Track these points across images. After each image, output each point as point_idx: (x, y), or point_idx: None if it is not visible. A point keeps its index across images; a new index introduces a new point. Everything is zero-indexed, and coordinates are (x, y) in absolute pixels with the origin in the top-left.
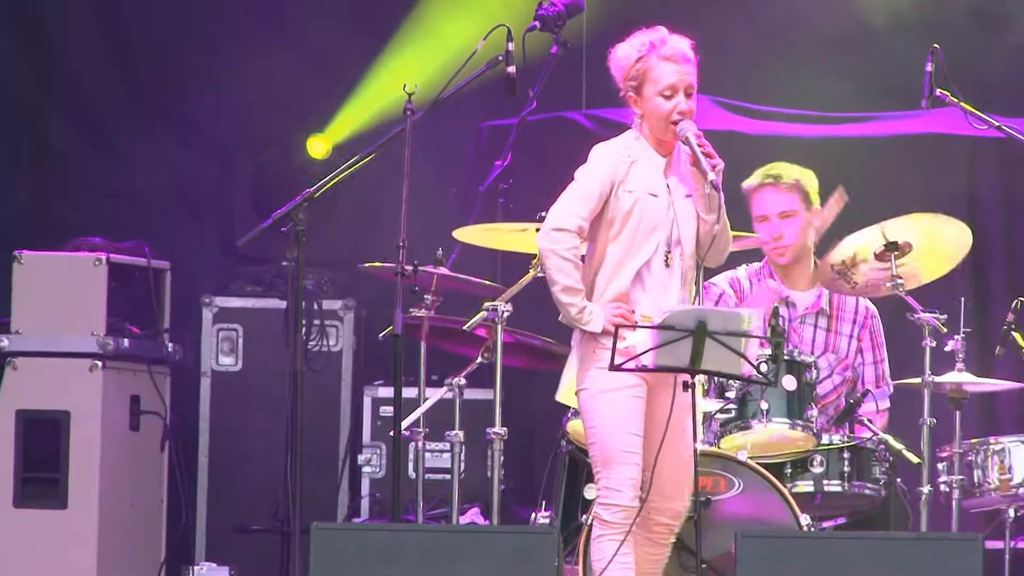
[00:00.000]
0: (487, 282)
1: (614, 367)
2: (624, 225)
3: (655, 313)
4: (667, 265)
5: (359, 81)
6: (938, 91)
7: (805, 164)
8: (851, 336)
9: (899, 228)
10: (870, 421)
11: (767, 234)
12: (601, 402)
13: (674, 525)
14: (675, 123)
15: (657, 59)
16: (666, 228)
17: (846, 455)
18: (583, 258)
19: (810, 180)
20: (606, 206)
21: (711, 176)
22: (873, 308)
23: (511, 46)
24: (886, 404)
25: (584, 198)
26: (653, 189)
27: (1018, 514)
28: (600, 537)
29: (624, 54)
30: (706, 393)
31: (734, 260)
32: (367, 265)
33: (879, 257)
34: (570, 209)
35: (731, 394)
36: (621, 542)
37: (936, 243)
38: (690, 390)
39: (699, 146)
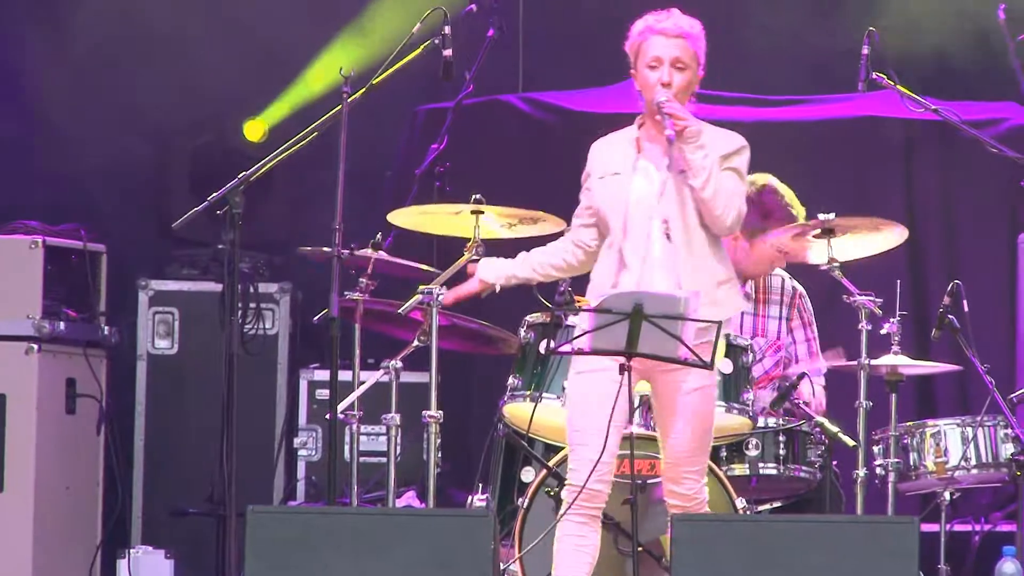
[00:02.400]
0: (424, 266)
1: (549, 350)
2: (600, 211)
3: (594, 296)
4: (669, 239)
5: (295, 63)
6: (874, 74)
7: None
8: (780, 318)
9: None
10: (806, 405)
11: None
12: (573, 383)
13: (684, 506)
14: None
15: (651, 33)
16: (649, 204)
17: (781, 438)
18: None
19: None
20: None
21: (667, 132)
22: (800, 288)
23: (447, 29)
24: (821, 382)
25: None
26: (615, 168)
27: (953, 497)
28: (563, 517)
29: (631, 33)
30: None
31: None
32: (306, 249)
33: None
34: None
35: None
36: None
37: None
38: (626, 374)
39: (663, 108)
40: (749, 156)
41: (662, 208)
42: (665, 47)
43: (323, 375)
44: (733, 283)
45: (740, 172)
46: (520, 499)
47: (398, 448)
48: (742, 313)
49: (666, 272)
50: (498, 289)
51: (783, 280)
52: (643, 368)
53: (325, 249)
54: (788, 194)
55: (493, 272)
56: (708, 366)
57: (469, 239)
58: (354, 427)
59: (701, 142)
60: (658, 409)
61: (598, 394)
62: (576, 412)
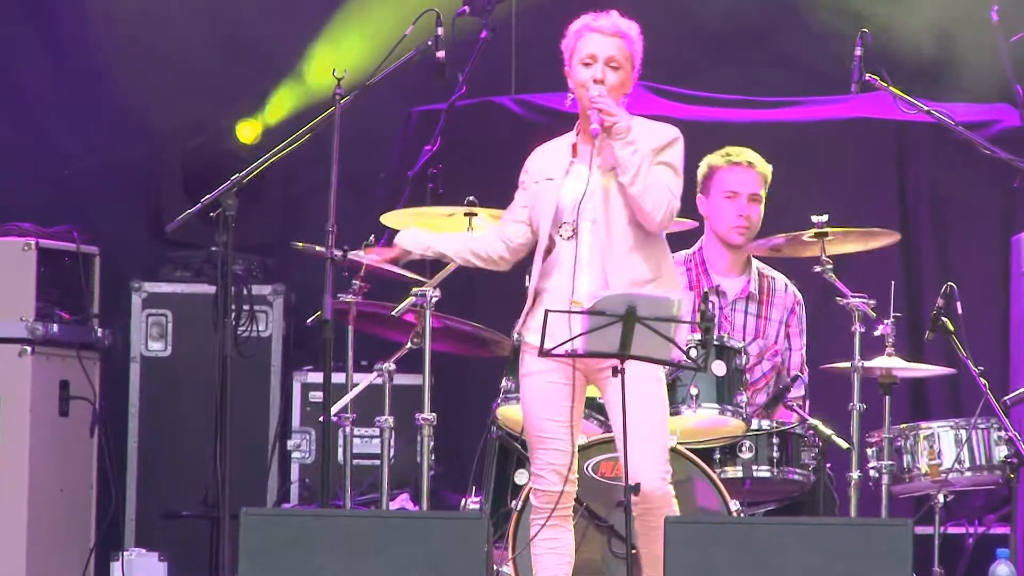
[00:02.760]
0: (414, 275)
1: (544, 353)
2: (533, 216)
3: (586, 298)
4: (567, 239)
5: (289, 65)
6: (867, 76)
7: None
8: (780, 322)
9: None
10: (800, 406)
11: (735, 211)
12: (522, 386)
13: (646, 505)
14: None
15: (587, 30)
16: (571, 206)
17: (775, 440)
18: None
19: (770, 175)
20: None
21: (592, 126)
22: (799, 296)
23: (441, 30)
24: (801, 392)
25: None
26: (550, 174)
27: (947, 499)
28: (531, 521)
29: (567, 32)
30: None
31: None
32: (299, 244)
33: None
34: None
35: None
36: (542, 526)
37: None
38: (620, 376)
39: (593, 102)
40: (683, 148)
41: (589, 209)
42: (601, 44)
43: (316, 377)
44: (661, 282)
45: (673, 166)
46: (513, 501)
47: (391, 450)
48: (745, 314)
49: (592, 273)
50: (416, 256)
51: (786, 285)
52: (586, 371)
53: (318, 248)
54: (739, 152)
55: (411, 240)
56: (702, 369)
57: None
58: (347, 429)
59: (630, 138)
60: (608, 409)
61: (551, 396)
62: (533, 415)
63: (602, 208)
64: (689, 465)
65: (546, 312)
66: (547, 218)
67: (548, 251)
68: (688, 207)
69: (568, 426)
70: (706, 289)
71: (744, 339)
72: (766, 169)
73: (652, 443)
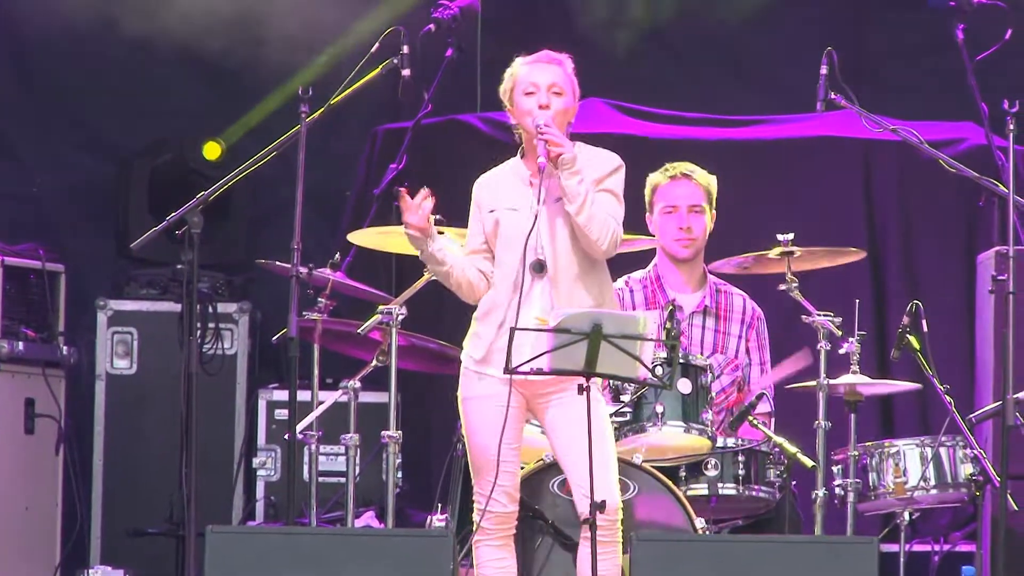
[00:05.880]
0: (380, 292)
1: (508, 370)
2: (493, 243)
3: (551, 315)
4: (538, 271)
5: (254, 84)
6: (833, 94)
7: (703, 167)
8: (740, 336)
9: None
10: (764, 424)
11: (675, 224)
12: (462, 410)
13: (608, 519)
14: None
15: (525, 65)
16: (531, 236)
17: (741, 458)
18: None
19: (714, 186)
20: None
21: (539, 159)
22: (759, 311)
23: (406, 49)
24: (767, 409)
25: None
26: (514, 204)
27: (913, 517)
28: (477, 542)
29: (505, 76)
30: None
31: (624, 266)
32: (262, 261)
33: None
34: None
35: (626, 397)
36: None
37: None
38: (585, 393)
39: (542, 133)
40: (624, 175)
41: (538, 239)
42: (541, 72)
43: (282, 395)
44: (604, 308)
45: (615, 193)
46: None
47: (357, 468)
48: (703, 328)
49: (539, 303)
50: (428, 247)
51: (744, 300)
52: (528, 394)
53: (279, 263)
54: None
55: (441, 239)
56: (667, 386)
57: None
58: (313, 447)
59: (576, 168)
60: (550, 436)
61: (491, 422)
62: (474, 441)
63: (549, 238)
64: (654, 482)
65: (512, 330)
66: (500, 247)
67: (502, 280)
68: (643, 226)
69: (517, 448)
70: (671, 304)
71: (703, 353)
72: (706, 180)
73: (609, 462)
